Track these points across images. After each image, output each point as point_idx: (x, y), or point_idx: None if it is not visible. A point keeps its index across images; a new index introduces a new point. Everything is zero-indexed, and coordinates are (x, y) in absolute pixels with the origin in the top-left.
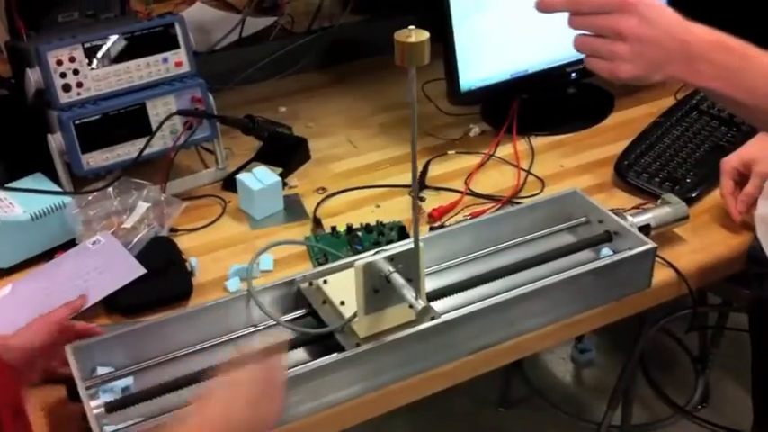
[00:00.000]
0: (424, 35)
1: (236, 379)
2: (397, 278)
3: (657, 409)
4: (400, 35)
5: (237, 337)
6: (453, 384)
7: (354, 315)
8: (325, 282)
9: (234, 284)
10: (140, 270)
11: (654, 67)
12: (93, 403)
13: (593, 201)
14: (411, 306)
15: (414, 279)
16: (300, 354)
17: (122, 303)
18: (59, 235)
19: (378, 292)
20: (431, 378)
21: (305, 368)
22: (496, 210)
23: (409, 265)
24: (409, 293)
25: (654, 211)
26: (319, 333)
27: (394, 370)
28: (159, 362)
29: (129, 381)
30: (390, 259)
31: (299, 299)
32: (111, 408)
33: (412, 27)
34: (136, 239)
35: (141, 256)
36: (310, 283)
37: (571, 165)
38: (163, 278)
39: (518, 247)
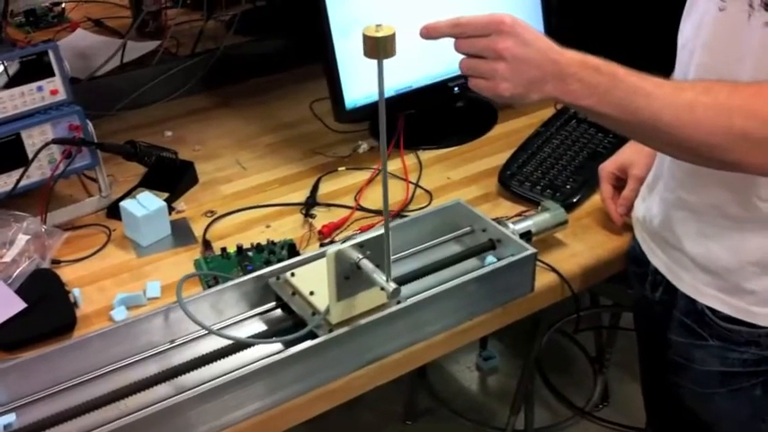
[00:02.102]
0: (391, 29)
1: None
2: (367, 263)
3: (560, 411)
4: (368, 29)
5: (132, 362)
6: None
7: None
8: (292, 275)
9: (120, 314)
10: (21, 304)
11: (531, 85)
12: None
13: (476, 210)
14: (383, 288)
15: (381, 264)
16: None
17: (4, 339)
18: None
19: (348, 278)
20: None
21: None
22: None
23: (377, 251)
24: (380, 277)
25: (534, 218)
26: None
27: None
28: (44, 395)
29: (11, 417)
30: (360, 246)
31: (265, 294)
32: None
33: (379, 23)
34: (16, 273)
35: (22, 290)
36: (277, 278)
37: (457, 177)
38: (45, 311)
39: (407, 258)
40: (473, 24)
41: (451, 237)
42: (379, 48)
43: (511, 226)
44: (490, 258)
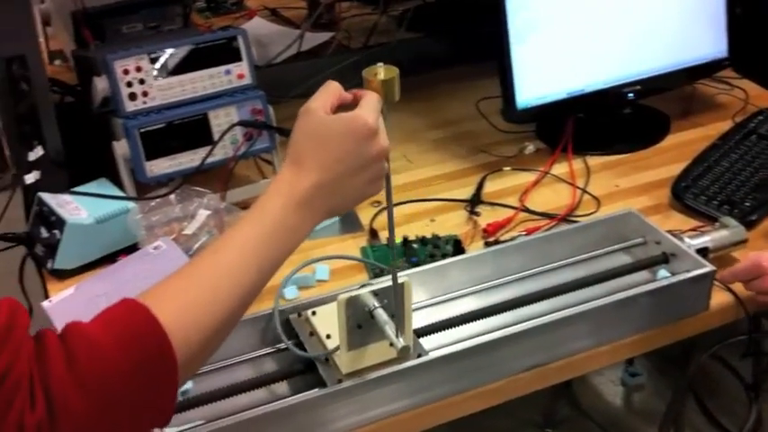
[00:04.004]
0: (393, 71)
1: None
2: (381, 314)
3: None
4: (368, 72)
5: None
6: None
7: (336, 348)
8: (313, 313)
9: (291, 293)
10: None
11: None
12: None
13: (650, 222)
14: (392, 344)
15: (397, 315)
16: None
17: None
18: (122, 239)
19: (361, 327)
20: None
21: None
22: (551, 227)
23: (398, 299)
24: (391, 331)
25: (712, 234)
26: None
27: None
28: (217, 367)
29: (188, 384)
30: (375, 294)
31: (288, 329)
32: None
33: (380, 64)
34: (196, 246)
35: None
36: (299, 314)
37: (627, 185)
38: None
39: (572, 266)
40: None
41: (621, 246)
42: (381, 92)
43: (687, 240)
44: (663, 272)
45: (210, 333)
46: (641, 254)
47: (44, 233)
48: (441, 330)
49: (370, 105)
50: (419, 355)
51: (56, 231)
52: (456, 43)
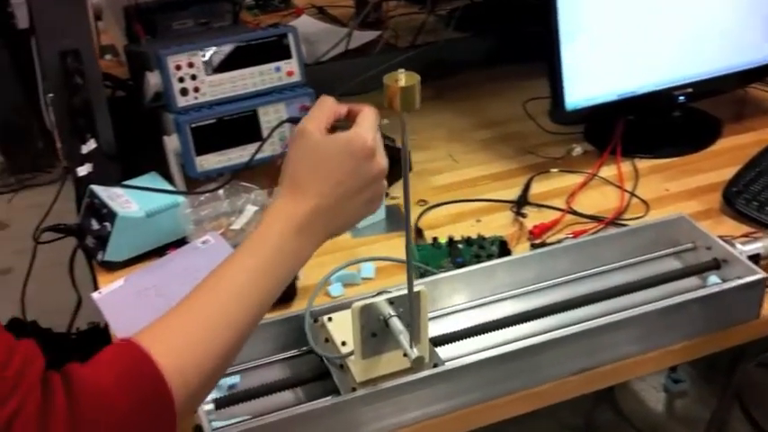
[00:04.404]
0: (414, 78)
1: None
2: (396, 323)
3: None
4: (389, 78)
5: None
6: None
7: (350, 353)
8: (330, 319)
9: (336, 290)
10: None
11: None
12: None
13: (700, 227)
14: (405, 354)
15: (412, 325)
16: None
17: None
18: (171, 233)
19: (376, 335)
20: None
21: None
22: (598, 231)
23: (413, 308)
24: (405, 340)
25: (764, 240)
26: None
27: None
28: (263, 363)
29: (235, 379)
30: (390, 302)
31: (303, 335)
32: (219, 404)
33: (401, 70)
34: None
35: None
36: (315, 320)
37: (676, 189)
38: None
39: (620, 270)
40: None
41: (671, 251)
42: (402, 99)
43: (738, 246)
44: (714, 278)
45: (209, 371)
46: (691, 259)
47: (95, 225)
48: (482, 333)
49: (367, 123)
50: (435, 365)
51: (107, 224)
52: (503, 43)
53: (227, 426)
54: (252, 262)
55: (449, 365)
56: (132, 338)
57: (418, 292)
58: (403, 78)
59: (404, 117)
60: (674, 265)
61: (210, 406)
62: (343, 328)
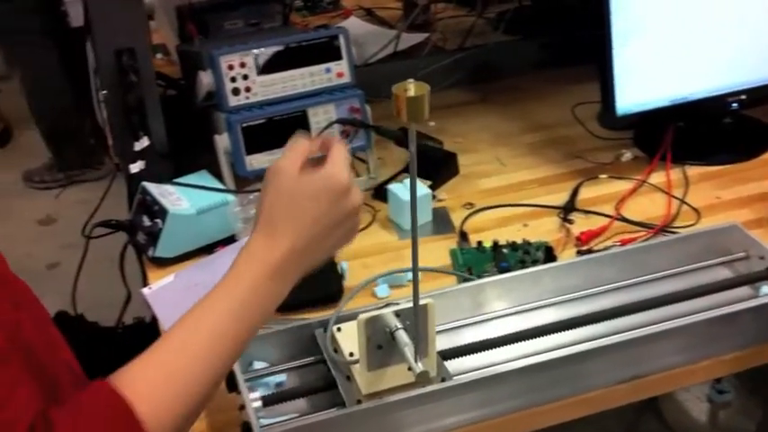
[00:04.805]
0: (424, 88)
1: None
2: (402, 336)
3: None
4: (398, 88)
5: None
6: None
7: (355, 360)
8: (338, 329)
9: (383, 291)
10: None
11: None
12: (251, 395)
13: (753, 235)
14: (410, 368)
15: (421, 338)
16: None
17: None
18: (221, 231)
19: (381, 348)
20: None
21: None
22: (648, 239)
23: (420, 321)
24: (410, 354)
25: None
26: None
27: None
28: (309, 362)
29: (283, 377)
30: (397, 315)
31: (314, 344)
32: (267, 402)
33: (411, 80)
34: None
35: None
36: (324, 329)
37: (728, 197)
38: (315, 279)
39: (670, 278)
40: None
41: (722, 260)
42: (411, 109)
43: None
44: (766, 289)
45: (186, 417)
46: (743, 269)
47: (146, 222)
48: (522, 340)
49: (340, 160)
50: (443, 379)
51: (158, 220)
52: (552, 47)
53: (275, 423)
54: (226, 306)
55: (458, 380)
56: (112, 382)
57: (425, 305)
58: (412, 88)
59: (412, 128)
60: (725, 274)
61: (259, 403)
62: (352, 339)
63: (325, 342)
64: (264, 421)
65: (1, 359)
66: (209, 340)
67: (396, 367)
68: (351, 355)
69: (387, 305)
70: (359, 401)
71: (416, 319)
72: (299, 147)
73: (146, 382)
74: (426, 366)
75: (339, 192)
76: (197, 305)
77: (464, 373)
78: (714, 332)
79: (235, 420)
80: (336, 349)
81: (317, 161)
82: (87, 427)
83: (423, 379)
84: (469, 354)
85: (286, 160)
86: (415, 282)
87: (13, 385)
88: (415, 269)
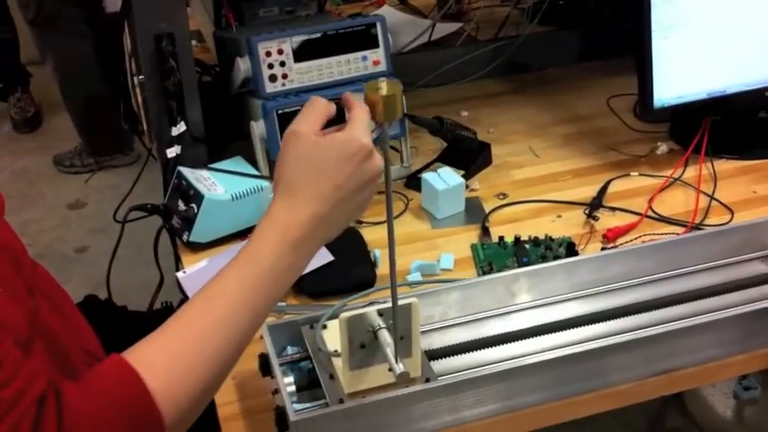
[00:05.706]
0: (397, 87)
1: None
2: (385, 335)
3: None
4: (369, 87)
5: None
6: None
7: (335, 353)
8: (324, 327)
9: (415, 278)
10: (328, 257)
11: None
12: (285, 380)
13: None
14: (390, 369)
15: (405, 337)
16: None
17: (309, 287)
18: (255, 216)
19: (364, 347)
20: None
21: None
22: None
23: (404, 320)
24: (391, 354)
25: None
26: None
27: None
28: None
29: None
30: (380, 314)
31: (300, 340)
32: (301, 387)
33: (383, 78)
34: None
35: (329, 244)
36: (311, 326)
37: (764, 191)
38: (348, 266)
39: (706, 272)
40: None
41: (759, 255)
42: (383, 109)
43: None
44: None
45: (200, 392)
46: None
47: (181, 206)
48: (541, 335)
49: (362, 124)
50: (427, 380)
51: (193, 205)
52: (587, 38)
53: (308, 407)
54: (246, 277)
55: (442, 381)
56: (124, 357)
57: (408, 305)
58: (384, 87)
59: (386, 128)
60: (761, 269)
61: (292, 388)
62: (336, 337)
63: (311, 340)
64: (297, 406)
65: (20, 341)
66: (227, 311)
67: (378, 367)
68: (335, 352)
69: (370, 303)
70: (341, 400)
71: (395, 318)
72: (316, 109)
73: (159, 354)
74: (409, 367)
75: (362, 156)
76: (215, 280)
77: (482, 367)
78: (749, 327)
79: (268, 405)
80: (320, 348)
81: (333, 124)
82: (97, 398)
83: (403, 380)
84: (472, 351)
85: (304, 123)
86: (393, 280)
87: (24, 360)
88: (393, 278)
